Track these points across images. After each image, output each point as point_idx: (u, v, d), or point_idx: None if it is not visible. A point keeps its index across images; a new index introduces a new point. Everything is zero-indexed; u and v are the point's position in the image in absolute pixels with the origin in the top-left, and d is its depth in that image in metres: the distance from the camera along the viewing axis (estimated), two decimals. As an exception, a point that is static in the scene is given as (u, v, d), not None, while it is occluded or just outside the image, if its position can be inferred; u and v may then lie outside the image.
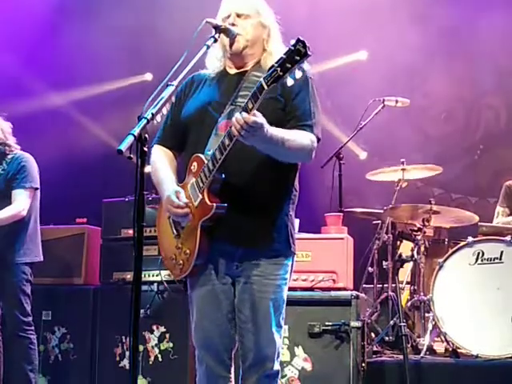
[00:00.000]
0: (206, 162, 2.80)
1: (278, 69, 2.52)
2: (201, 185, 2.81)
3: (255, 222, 2.85)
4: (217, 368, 2.94)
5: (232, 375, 2.99)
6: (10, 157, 4.72)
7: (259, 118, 2.58)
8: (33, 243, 4.70)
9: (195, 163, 2.88)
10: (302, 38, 2.50)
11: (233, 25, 2.89)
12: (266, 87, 2.56)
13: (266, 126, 2.61)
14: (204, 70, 3.06)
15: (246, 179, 2.82)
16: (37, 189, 4.74)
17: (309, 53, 2.49)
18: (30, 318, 4.65)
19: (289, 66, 2.51)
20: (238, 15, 2.92)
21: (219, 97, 2.93)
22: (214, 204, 2.78)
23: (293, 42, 2.52)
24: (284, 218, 2.92)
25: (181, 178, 2.99)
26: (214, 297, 2.92)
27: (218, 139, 2.76)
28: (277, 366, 2.93)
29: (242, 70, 2.96)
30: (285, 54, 2.52)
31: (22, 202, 4.62)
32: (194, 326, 2.99)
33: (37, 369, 4.70)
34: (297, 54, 2.49)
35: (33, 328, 4.66)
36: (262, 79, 2.57)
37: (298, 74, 2.53)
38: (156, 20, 7.24)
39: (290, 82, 2.55)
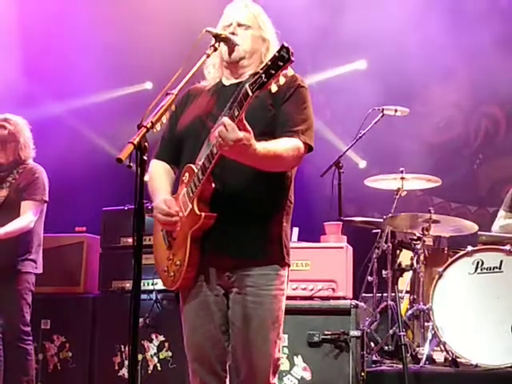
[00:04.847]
0: (196, 171, 2.79)
1: (263, 75, 2.50)
2: (191, 194, 2.79)
3: (247, 232, 2.80)
4: (211, 381, 2.87)
5: None
6: (22, 167, 4.72)
7: (246, 134, 2.54)
8: (37, 254, 4.70)
9: (187, 173, 2.86)
10: (286, 44, 2.48)
11: (233, 34, 2.89)
12: (250, 93, 2.53)
13: (253, 143, 2.57)
14: (201, 83, 3.05)
15: (238, 189, 2.79)
16: (46, 202, 4.73)
17: (292, 58, 2.46)
18: (29, 328, 4.62)
19: (273, 72, 2.48)
20: (239, 25, 2.91)
21: (214, 108, 2.90)
22: (203, 214, 2.74)
23: (277, 48, 2.51)
24: (277, 229, 2.86)
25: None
26: (206, 308, 2.86)
27: (209, 149, 2.75)
28: (273, 380, 2.85)
29: (238, 81, 2.94)
30: (270, 61, 2.50)
31: (31, 214, 4.61)
32: (186, 338, 2.93)
33: (33, 380, 4.65)
34: (280, 59, 2.47)
35: (31, 338, 4.64)
36: (246, 85, 2.55)
37: (282, 80, 2.51)
38: (156, 29, 7.26)
39: (274, 88, 2.53)
